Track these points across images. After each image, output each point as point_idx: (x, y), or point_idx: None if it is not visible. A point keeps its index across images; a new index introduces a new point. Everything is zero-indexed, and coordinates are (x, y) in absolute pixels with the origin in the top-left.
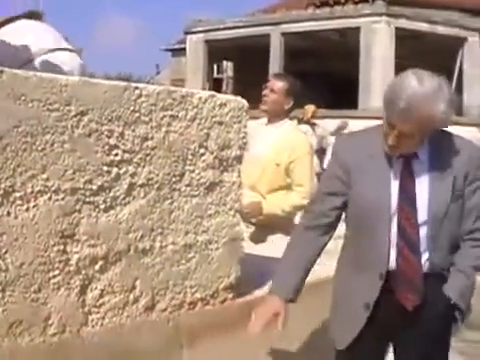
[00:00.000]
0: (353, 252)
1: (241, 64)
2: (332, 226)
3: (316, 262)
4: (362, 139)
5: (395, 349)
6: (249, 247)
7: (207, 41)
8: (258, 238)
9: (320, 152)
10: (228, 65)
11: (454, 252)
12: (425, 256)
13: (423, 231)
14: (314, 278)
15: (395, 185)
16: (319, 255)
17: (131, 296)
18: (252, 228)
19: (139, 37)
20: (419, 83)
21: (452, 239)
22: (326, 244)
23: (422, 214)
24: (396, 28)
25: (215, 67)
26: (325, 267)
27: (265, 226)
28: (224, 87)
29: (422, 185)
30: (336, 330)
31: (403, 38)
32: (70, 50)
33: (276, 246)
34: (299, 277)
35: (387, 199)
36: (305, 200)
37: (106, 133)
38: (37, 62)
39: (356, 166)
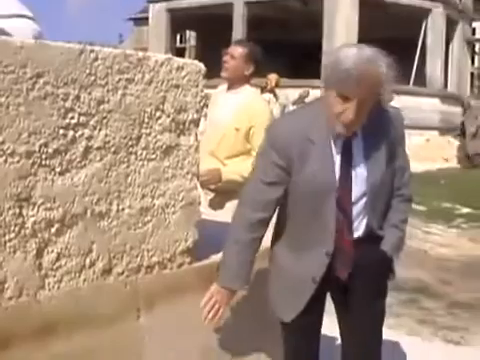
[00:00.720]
0: (295, 232)
1: (204, 33)
2: (273, 215)
3: None
4: (299, 123)
5: (336, 307)
6: (208, 214)
7: (170, 10)
8: (217, 205)
9: None
10: (191, 34)
11: (388, 211)
12: (364, 222)
13: (363, 201)
14: None
15: (337, 165)
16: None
17: (88, 260)
18: (211, 195)
19: (103, 6)
20: (358, 49)
21: (387, 201)
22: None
23: (361, 187)
24: None
25: (178, 37)
26: None
27: (224, 193)
28: (187, 56)
29: (360, 159)
30: (281, 305)
31: (367, 7)
32: (27, 17)
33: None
34: (248, 269)
35: (332, 181)
36: None
37: (62, 96)
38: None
39: (298, 153)
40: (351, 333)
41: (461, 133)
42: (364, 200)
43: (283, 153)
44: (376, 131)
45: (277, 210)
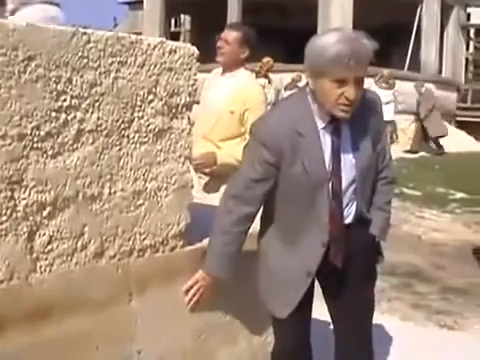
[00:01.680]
0: (286, 224)
1: (199, 17)
2: (260, 208)
3: None
4: (285, 117)
5: (325, 293)
6: (202, 197)
7: None
8: (212, 188)
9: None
10: (186, 18)
11: (373, 193)
12: (353, 207)
13: (352, 187)
14: None
15: (328, 154)
16: None
17: (79, 243)
18: (206, 179)
19: None
20: (340, 32)
21: (373, 184)
22: None
23: (351, 174)
24: None
25: (173, 21)
26: None
27: (219, 176)
28: (182, 40)
29: (348, 146)
30: (273, 300)
31: None
32: (56, 4)
33: None
34: (234, 260)
35: (324, 172)
36: None
37: (54, 79)
38: (25, 12)
39: (289, 146)
40: (344, 318)
41: (417, 119)
42: (354, 186)
43: (274, 149)
44: (361, 116)
45: (264, 203)
